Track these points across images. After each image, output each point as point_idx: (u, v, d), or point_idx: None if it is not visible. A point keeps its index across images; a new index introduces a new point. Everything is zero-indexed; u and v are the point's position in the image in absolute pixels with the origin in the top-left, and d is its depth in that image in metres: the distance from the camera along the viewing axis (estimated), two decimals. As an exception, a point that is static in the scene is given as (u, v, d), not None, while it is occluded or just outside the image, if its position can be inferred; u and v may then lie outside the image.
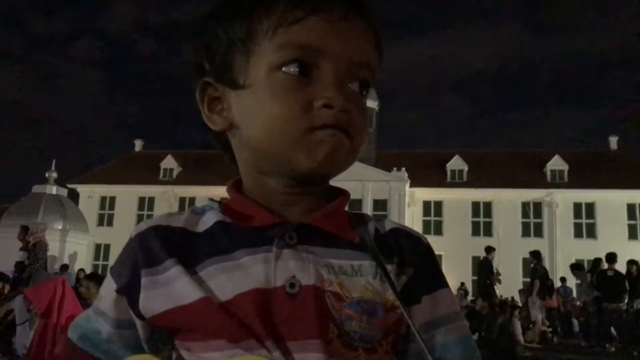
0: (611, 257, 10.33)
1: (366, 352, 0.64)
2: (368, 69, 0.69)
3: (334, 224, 0.69)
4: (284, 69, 0.64)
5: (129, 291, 0.68)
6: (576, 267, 12.19)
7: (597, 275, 10.54)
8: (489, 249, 11.41)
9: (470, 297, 18.04)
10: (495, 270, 11.10)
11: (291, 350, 0.61)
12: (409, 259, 0.71)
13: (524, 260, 29.97)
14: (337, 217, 0.71)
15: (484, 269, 11.11)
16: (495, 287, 10.81)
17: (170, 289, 0.65)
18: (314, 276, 0.64)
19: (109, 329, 0.70)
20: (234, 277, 0.64)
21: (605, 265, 10.47)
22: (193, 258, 0.66)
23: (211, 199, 0.74)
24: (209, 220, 0.70)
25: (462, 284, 22.02)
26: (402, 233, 0.74)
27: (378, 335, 0.65)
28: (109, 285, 0.71)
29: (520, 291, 16.55)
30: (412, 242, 0.74)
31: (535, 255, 11.60)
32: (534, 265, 11.45)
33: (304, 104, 0.64)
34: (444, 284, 0.73)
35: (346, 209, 0.75)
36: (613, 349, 9.89)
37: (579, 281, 12.01)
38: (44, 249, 7.78)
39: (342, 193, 0.74)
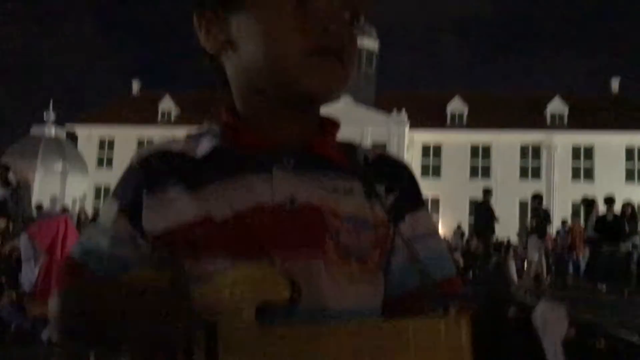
0: (610, 200, 10.42)
1: (358, 262, 0.70)
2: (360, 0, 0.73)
3: (328, 149, 0.75)
4: None
5: (131, 211, 0.71)
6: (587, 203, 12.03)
7: (597, 218, 10.66)
8: (487, 192, 11.48)
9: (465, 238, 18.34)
10: (495, 216, 11.21)
11: (288, 259, 0.66)
12: (395, 182, 0.78)
13: (521, 202, 30.25)
14: (330, 143, 0.76)
15: (484, 212, 11.20)
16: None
17: (173, 208, 0.69)
18: (311, 195, 0.70)
19: (109, 246, 0.72)
20: (235, 195, 0.69)
21: (604, 208, 10.57)
22: (193, 180, 0.70)
23: (207, 123, 0.78)
24: (206, 144, 0.73)
25: (459, 226, 22.32)
26: (389, 160, 0.82)
27: (368, 248, 0.71)
28: (111, 206, 0.74)
29: (519, 232, 16.78)
30: (396, 168, 0.81)
31: (537, 197, 11.73)
32: (536, 207, 11.56)
33: (303, 28, 0.68)
34: (422, 205, 0.81)
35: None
36: (604, 287, 10.14)
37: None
38: (27, 187, 7.85)
39: (334, 122, 0.79)
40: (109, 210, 0.74)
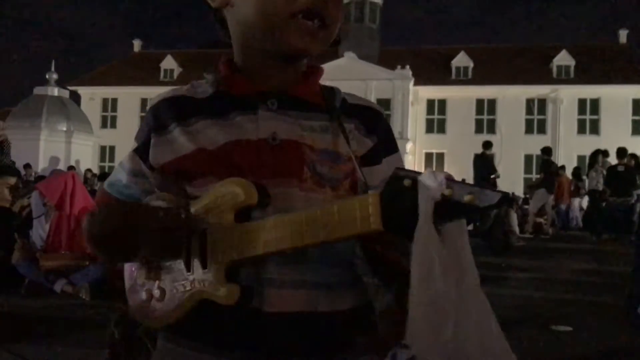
0: (621, 152, 10.35)
1: (332, 189, 0.82)
2: None
3: (309, 93, 0.87)
4: None
5: (142, 150, 0.88)
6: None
7: (607, 170, 10.63)
8: (487, 144, 11.39)
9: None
10: (495, 168, 11.13)
11: (270, 186, 0.76)
12: (373, 128, 0.89)
13: (526, 157, 30.27)
14: (311, 88, 0.88)
15: (484, 164, 11.13)
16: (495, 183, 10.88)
17: (174, 145, 0.84)
18: (291, 133, 0.82)
19: (127, 176, 0.90)
20: (225, 130, 0.82)
21: (616, 160, 10.51)
22: (193, 118, 0.84)
23: (208, 73, 0.90)
24: (206, 91, 0.88)
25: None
26: (366, 107, 0.93)
27: (340, 177, 0.83)
28: (132, 147, 0.90)
29: (528, 186, 16.71)
30: (374, 114, 0.92)
31: (546, 151, 11.72)
32: (545, 160, 11.54)
33: None
34: (396, 149, 0.92)
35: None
36: (606, 236, 10.24)
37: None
38: (8, 145, 8.01)
39: (317, 69, 0.90)
40: (130, 151, 0.90)
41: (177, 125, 0.84)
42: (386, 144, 0.90)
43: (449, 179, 0.58)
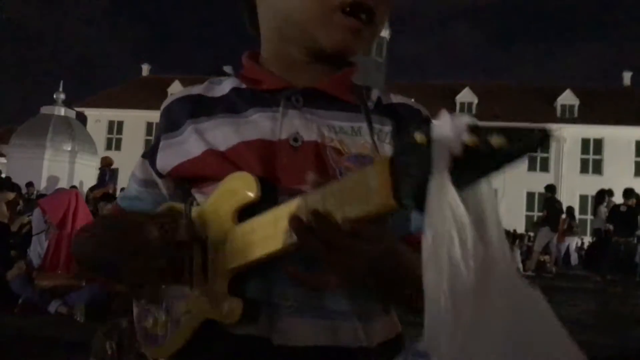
0: (626, 193, 10.33)
1: None
2: None
3: (339, 89, 0.75)
4: None
5: (151, 155, 0.78)
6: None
7: (610, 209, 10.59)
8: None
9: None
10: None
11: (289, 193, 0.66)
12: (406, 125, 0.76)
13: (529, 194, 30.20)
14: (342, 83, 0.77)
15: None
16: None
17: (183, 146, 0.74)
18: (315, 134, 0.71)
19: (137, 187, 0.81)
20: (240, 129, 0.71)
21: (622, 200, 10.48)
22: (207, 115, 0.74)
23: (228, 67, 0.80)
24: (225, 87, 0.78)
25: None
26: (403, 104, 0.80)
27: None
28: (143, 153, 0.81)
29: (533, 223, 16.66)
30: (411, 112, 0.80)
31: (550, 189, 11.67)
32: (549, 198, 11.50)
33: None
34: None
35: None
36: (609, 277, 10.12)
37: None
38: None
39: (351, 64, 0.79)
40: (140, 158, 0.82)
41: (189, 124, 0.74)
42: None
43: (472, 124, 0.43)
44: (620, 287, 9.10)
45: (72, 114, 20.60)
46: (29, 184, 14.30)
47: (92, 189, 11.22)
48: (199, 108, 0.76)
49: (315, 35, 0.70)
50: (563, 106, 31.97)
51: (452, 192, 0.43)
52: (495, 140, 0.41)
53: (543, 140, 0.42)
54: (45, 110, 19.74)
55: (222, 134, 0.72)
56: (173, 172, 0.75)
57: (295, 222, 0.56)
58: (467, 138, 0.42)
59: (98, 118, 34.75)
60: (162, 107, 0.80)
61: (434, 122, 0.45)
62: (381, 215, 0.51)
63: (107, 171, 10.86)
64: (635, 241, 10.37)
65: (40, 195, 9.34)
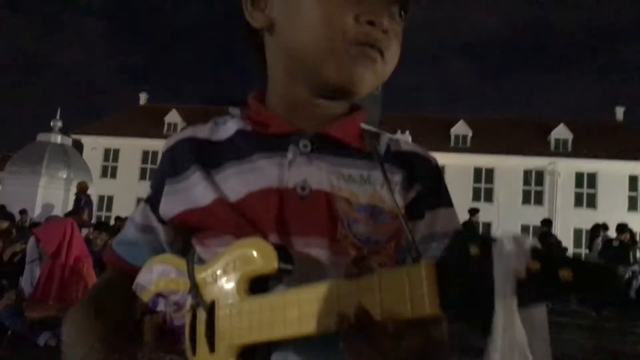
0: (620, 228, 10.34)
1: (371, 253, 0.67)
2: None
3: (348, 135, 0.73)
4: None
5: (153, 199, 0.75)
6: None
7: (603, 243, 10.59)
8: (473, 211, 11.35)
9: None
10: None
11: (296, 245, 0.65)
12: (418, 176, 0.75)
13: (523, 227, 30.14)
14: (351, 129, 0.74)
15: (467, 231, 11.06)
16: None
17: (189, 193, 0.71)
18: (324, 182, 0.68)
19: (135, 232, 0.78)
20: (248, 178, 0.69)
21: (615, 235, 10.48)
22: (214, 164, 0.71)
23: (233, 108, 0.78)
24: (230, 128, 0.75)
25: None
26: (413, 152, 0.78)
27: (382, 239, 0.68)
28: (145, 197, 0.78)
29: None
30: (421, 161, 0.77)
31: (546, 223, 11.64)
32: (545, 233, 11.46)
33: (350, 16, 0.66)
34: (446, 203, 0.77)
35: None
36: (605, 313, 10.06)
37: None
38: None
39: (360, 109, 0.77)
40: (141, 202, 0.79)
41: (196, 170, 0.71)
42: (433, 194, 0.75)
43: (536, 246, 0.42)
44: (615, 322, 9.04)
45: (68, 141, 20.57)
46: (23, 211, 14.20)
47: (67, 214, 11.22)
48: (206, 153, 0.73)
49: (326, 71, 0.68)
50: (557, 140, 32.21)
51: (518, 318, 0.42)
52: (563, 273, 0.40)
53: (612, 281, 0.40)
54: (41, 137, 19.73)
55: (230, 183, 0.69)
56: (177, 219, 0.72)
57: (342, 320, 0.52)
58: (531, 263, 0.41)
59: (94, 146, 34.75)
60: (165, 147, 0.77)
61: (496, 239, 0.44)
62: (421, 320, 0.49)
63: (83, 197, 10.84)
64: (629, 276, 10.35)
65: (34, 224, 9.27)
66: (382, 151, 0.75)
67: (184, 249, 0.73)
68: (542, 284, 0.41)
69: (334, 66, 0.67)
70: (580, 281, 0.40)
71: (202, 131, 0.76)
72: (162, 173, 0.75)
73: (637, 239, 11.44)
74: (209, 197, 0.69)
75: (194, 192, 0.71)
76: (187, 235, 0.73)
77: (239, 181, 0.69)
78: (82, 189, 11.11)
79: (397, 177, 0.73)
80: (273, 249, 0.59)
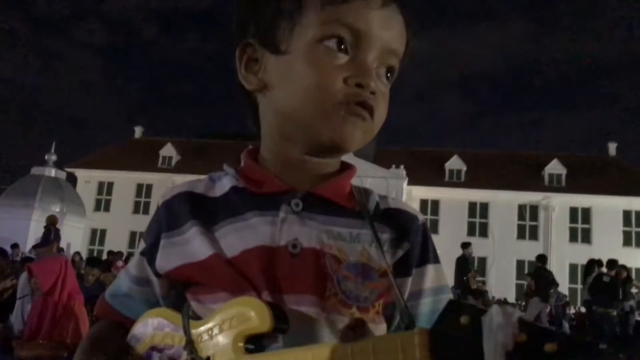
0: (610, 264, 10.37)
1: (359, 310, 0.69)
2: (396, 56, 0.74)
3: (338, 194, 0.75)
4: (325, 42, 0.69)
5: (150, 252, 0.76)
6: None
7: (593, 278, 10.58)
8: (465, 245, 11.37)
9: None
10: (472, 267, 11.02)
11: (288, 303, 0.66)
12: (406, 234, 0.77)
13: (518, 262, 30.11)
14: (342, 188, 0.77)
15: (460, 266, 11.06)
16: (471, 283, 10.69)
17: (186, 248, 0.72)
18: (315, 240, 0.70)
19: (130, 284, 0.79)
20: (243, 236, 0.71)
21: (605, 270, 10.49)
22: (210, 220, 0.73)
23: (227, 166, 0.80)
24: (225, 185, 0.77)
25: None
26: (401, 210, 0.81)
27: (371, 297, 0.70)
28: (139, 248, 0.79)
29: (525, 293, 16.57)
30: (409, 219, 0.80)
31: (541, 259, 11.65)
32: (539, 268, 11.45)
33: (339, 79, 0.69)
34: (433, 259, 0.79)
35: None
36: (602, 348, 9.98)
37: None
38: None
39: (350, 167, 0.80)
40: (136, 253, 0.80)
41: (193, 226, 0.73)
42: (420, 251, 0.78)
43: (522, 318, 0.44)
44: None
45: (62, 175, 20.61)
46: (14, 245, 14.09)
47: (35, 247, 11.17)
48: (202, 208, 0.75)
49: (318, 131, 0.70)
50: (551, 175, 32.44)
51: None
52: (548, 345, 0.42)
53: (595, 355, 0.42)
54: (35, 171, 19.75)
55: (226, 240, 0.71)
56: (173, 273, 0.74)
57: None
58: (518, 334, 0.43)
59: (88, 179, 34.73)
60: (161, 201, 0.79)
61: (486, 310, 0.46)
62: None
63: (52, 229, 10.83)
64: (615, 312, 10.30)
65: (26, 258, 9.19)
66: (372, 209, 0.77)
67: (179, 303, 0.73)
68: (529, 355, 0.43)
69: (326, 126, 0.70)
70: (565, 353, 0.42)
71: (198, 187, 0.78)
72: (159, 226, 0.76)
73: (632, 275, 11.43)
74: (206, 252, 0.71)
75: (192, 246, 0.72)
76: (182, 289, 0.74)
77: (235, 238, 0.71)
78: (52, 222, 11.07)
79: (386, 236, 0.75)
80: (269, 308, 0.61)
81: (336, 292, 0.68)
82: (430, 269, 0.78)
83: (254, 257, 0.69)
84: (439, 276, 0.79)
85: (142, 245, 0.79)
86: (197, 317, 0.69)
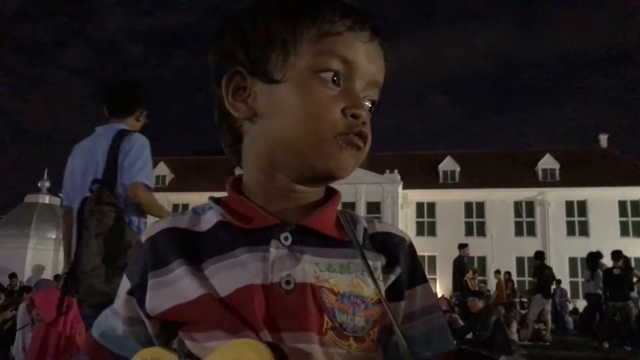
0: (616, 255, 10.30)
1: (356, 341, 0.69)
2: (378, 88, 0.77)
3: (327, 225, 0.75)
4: (320, 74, 0.70)
5: (138, 292, 0.74)
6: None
7: (603, 273, 10.53)
8: (461, 246, 11.40)
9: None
10: (469, 268, 11.03)
11: (285, 341, 0.66)
12: (396, 259, 0.77)
13: (518, 259, 30.14)
14: (329, 217, 0.76)
15: (458, 267, 11.07)
16: (471, 285, 10.69)
17: (175, 287, 0.70)
18: (307, 275, 0.70)
19: (123, 326, 0.77)
20: (234, 274, 0.69)
21: (611, 263, 10.45)
22: (197, 257, 0.72)
23: (211, 198, 0.79)
24: (210, 219, 0.76)
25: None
26: (388, 234, 0.80)
27: (367, 326, 0.70)
28: (123, 286, 0.77)
29: (526, 290, 16.61)
30: (397, 241, 0.80)
31: (539, 255, 11.66)
32: (539, 265, 11.45)
33: (338, 110, 0.70)
34: (422, 279, 0.80)
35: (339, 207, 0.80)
36: (607, 345, 9.97)
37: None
38: None
39: (335, 192, 0.80)
40: (121, 291, 0.77)
41: (181, 264, 0.71)
42: (410, 273, 0.78)
43: None
44: (619, 354, 8.95)
45: (56, 201, 20.48)
46: (12, 275, 14.00)
47: None
48: (188, 245, 0.73)
49: (314, 160, 0.70)
50: (544, 170, 32.58)
51: None
52: None
53: None
54: (29, 198, 19.64)
55: (217, 279, 0.70)
56: (165, 314, 0.72)
57: None
58: None
59: (83, 203, 34.60)
60: (146, 237, 0.76)
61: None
62: None
63: None
64: (632, 304, 10.28)
65: (24, 288, 9.11)
66: (360, 236, 0.77)
67: (171, 341, 0.72)
68: None
69: (322, 155, 0.70)
70: None
71: (182, 221, 0.76)
72: (144, 265, 0.74)
73: (632, 264, 11.42)
74: (197, 292, 0.69)
75: (181, 286, 0.71)
76: (175, 327, 0.72)
77: (225, 277, 0.70)
78: None
79: (377, 263, 0.75)
80: (268, 350, 0.60)
81: (333, 326, 0.68)
82: (420, 289, 0.79)
83: (248, 296, 0.68)
84: (429, 295, 0.80)
85: (126, 284, 0.77)
86: (192, 356, 0.68)
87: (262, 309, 0.67)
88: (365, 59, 0.73)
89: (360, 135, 0.71)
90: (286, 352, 0.63)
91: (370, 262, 0.73)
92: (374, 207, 31.27)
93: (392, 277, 0.76)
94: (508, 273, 15.92)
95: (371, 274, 0.72)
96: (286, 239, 0.71)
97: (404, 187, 31.99)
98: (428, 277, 0.81)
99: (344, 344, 0.68)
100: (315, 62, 0.70)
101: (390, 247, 0.78)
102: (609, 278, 10.15)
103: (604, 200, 30.50)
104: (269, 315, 0.67)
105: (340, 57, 0.71)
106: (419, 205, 32.74)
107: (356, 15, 0.73)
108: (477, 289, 10.76)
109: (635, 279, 10.56)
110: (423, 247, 31.62)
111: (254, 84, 0.74)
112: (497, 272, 15.29)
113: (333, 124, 0.69)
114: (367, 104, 0.75)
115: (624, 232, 30.30)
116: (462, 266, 11.04)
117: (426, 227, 32.45)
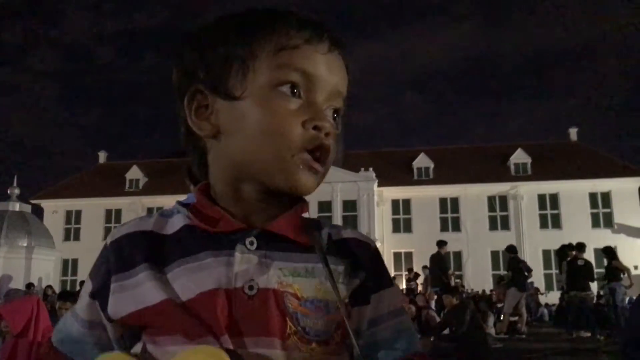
0: (581, 247, 10.58)
1: (320, 345, 0.69)
2: (342, 98, 0.77)
3: (291, 230, 0.75)
4: (279, 88, 0.70)
5: (101, 295, 0.74)
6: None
7: (567, 264, 10.77)
8: (440, 243, 11.53)
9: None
10: (448, 265, 11.18)
11: (247, 346, 0.66)
12: (360, 263, 0.78)
13: (493, 253, 30.56)
14: (294, 223, 0.76)
15: (438, 263, 11.19)
16: (451, 280, 10.81)
17: (137, 292, 0.70)
18: (271, 279, 0.70)
19: (81, 329, 0.76)
20: (197, 277, 0.69)
21: (575, 254, 10.69)
22: (162, 260, 0.72)
23: (179, 202, 0.79)
24: (177, 223, 0.76)
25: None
26: (353, 239, 0.81)
27: (330, 330, 0.71)
28: (86, 288, 0.76)
29: (498, 283, 16.79)
30: (361, 247, 0.80)
31: (511, 249, 11.84)
32: (511, 259, 11.63)
33: (298, 124, 0.70)
34: (388, 283, 0.80)
35: (306, 214, 0.80)
36: (582, 334, 10.16)
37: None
38: None
39: (302, 200, 0.79)
40: (83, 294, 0.76)
41: (145, 268, 0.71)
42: (375, 278, 0.78)
43: None
44: (589, 344, 9.13)
45: (27, 208, 20.12)
46: (-18, 285, 13.68)
47: None
48: (153, 248, 0.73)
49: (273, 178, 0.71)
50: (516, 164, 33.03)
51: None
52: None
53: None
54: (-2, 206, 19.22)
55: (180, 282, 0.70)
56: (127, 318, 0.71)
57: None
58: None
59: (55, 209, 34.04)
60: (110, 239, 0.76)
61: None
62: None
63: None
64: (592, 295, 10.54)
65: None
66: (324, 242, 0.78)
67: (132, 345, 0.72)
68: None
69: (284, 173, 0.71)
70: None
71: (147, 224, 0.76)
72: (107, 268, 0.74)
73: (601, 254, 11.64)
74: (158, 297, 0.69)
75: (143, 290, 0.70)
76: (137, 331, 0.72)
77: (189, 280, 0.70)
78: None
79: (340, 267, 0.75)
80: (227, 357, 0.60)
81: (296, 330, 0.69)
82: (386, 293, 0.79)
83: (210, 300, 0.68)
84: (395, 299, 0.81)
85: (88, 286, 0.76)
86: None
87: (225, 313, 0.67)
88: (326, 70, 0.73)
89: (322, 149, 0.72)
90: (247, 357, 0.63)
91: (332, 267, 0.73)
92: (350, 206, 31.37)
93: (357, 282, 0.76)
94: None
95: (332, 279, 0.71)
96: (251, 243, 0.71)
97: (380, 185, 32.13)
98: (405, 274, 0.81)
99: (308, 348, 0.69)
100: (273, 76, 0.70)
101: (355, 252, 0.79)
102: (573, 269, 10.40)
103: (575, 192, 31.07)
104: (232, 320, 0.67)
105: (298, 69, 0.71)
106: (395, 203, 32.93)
107: (313, 28, 0.73)
108: (454, 284, 10.88)
109: (617, 270, 10.77)
110: (399, 243, 31.87)
111: (215, 102, 0.74)
112: (425, 267, 15.29)
113: (293, 139, 0.70)
114: (330, 114, 0.75)
115: (595, 223, 30.91)
116: (441, 262, 11.15)
117: (402, 224, 32.66)
